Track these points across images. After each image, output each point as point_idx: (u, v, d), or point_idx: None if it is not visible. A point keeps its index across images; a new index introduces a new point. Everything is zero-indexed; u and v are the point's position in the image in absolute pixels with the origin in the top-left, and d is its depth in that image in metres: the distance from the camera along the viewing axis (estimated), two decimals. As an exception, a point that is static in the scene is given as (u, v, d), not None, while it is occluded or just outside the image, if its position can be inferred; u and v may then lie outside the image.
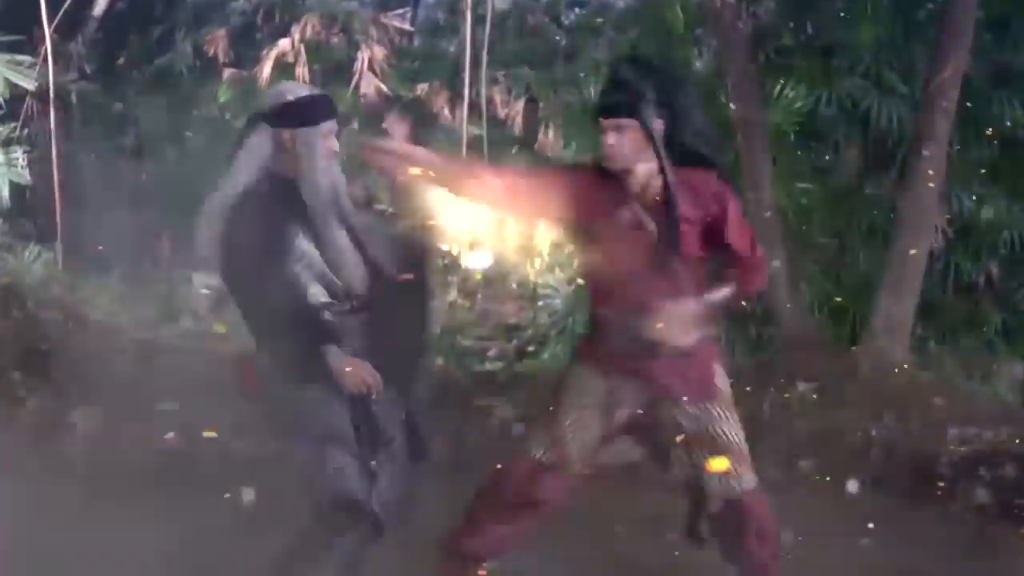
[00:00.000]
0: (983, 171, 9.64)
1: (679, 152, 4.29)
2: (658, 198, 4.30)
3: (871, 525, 6.19)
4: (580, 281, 9.78)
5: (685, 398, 4.39)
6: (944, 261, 9.37)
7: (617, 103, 4.28)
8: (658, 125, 4.19)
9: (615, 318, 4.42)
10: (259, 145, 4.02)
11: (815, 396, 7.82)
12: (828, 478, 7.10)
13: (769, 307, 8.84)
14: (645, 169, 4.28)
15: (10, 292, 9.13)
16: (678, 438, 4.38)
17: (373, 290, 4.12)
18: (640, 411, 4.43)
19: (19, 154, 10.20)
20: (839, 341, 8.87)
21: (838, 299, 9.34)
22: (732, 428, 4.39)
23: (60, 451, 7.04)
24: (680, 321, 4.26)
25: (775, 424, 7.43)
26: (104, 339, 8.90)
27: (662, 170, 4.25)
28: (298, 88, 4.50)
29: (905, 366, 8.25)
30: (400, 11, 13.75)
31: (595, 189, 4.39)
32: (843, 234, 9.55)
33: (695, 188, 4.36)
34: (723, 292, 4.34)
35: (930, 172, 8.28)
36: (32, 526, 5.21)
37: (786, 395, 7.84)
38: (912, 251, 8.36)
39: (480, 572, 4.62)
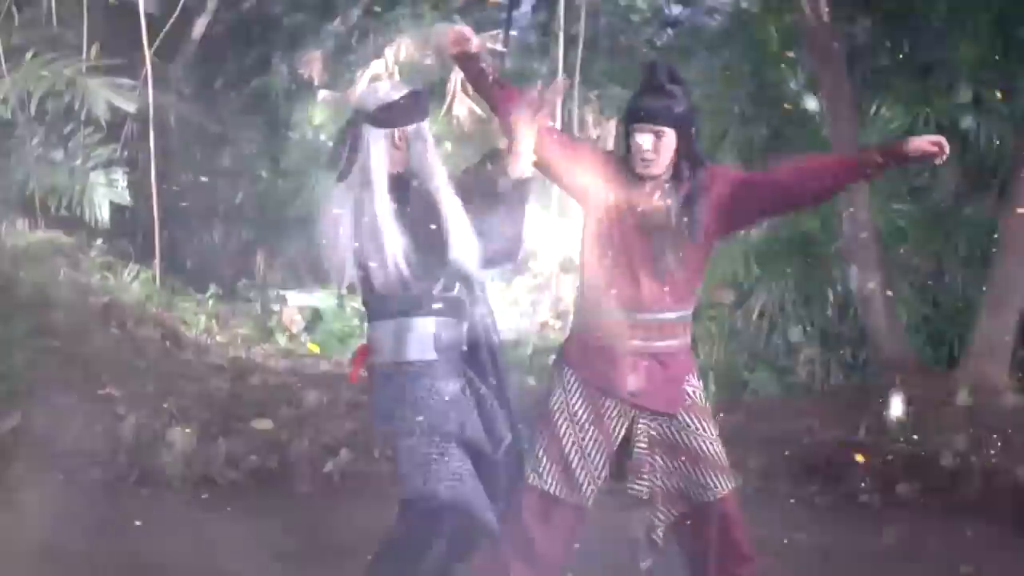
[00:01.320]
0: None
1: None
2: (674, 195, 4.38)
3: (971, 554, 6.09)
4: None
5: (658, 406, 4.46)
6: None
7: (659, 109, 4.34)
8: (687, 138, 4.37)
9: (610, 316, 4.48)
10: (377, 147, 4.08)
11: (912, 420, 7.74)
12: (924, 503, 6.97)
13: (865, 329, 8.98)
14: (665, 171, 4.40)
15: (110, 310, 9.24)
16: (647, 445, 4.45)
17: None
18: (629, 422, 4.47)
19: (119, 175, 10.25)
20: (936, 364, 8.96)
21: (936, 321, 9.49)
22: (704, 436, 4.47)
23: (158, 467, 7.08)
24: (663, 328, 4.40)
25: (872, 446, 7.43)
26: (199, 357, 9.03)
27: (691, 172, 4.36)
28: (395, 87, 4.51)
29: (1007, 390, 8.20)
30: (492, 32, 13.36)
31: (622, 180, 4.44)
32: (941, 255, 9.63)
33: (709, 183, 4.46)
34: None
35: None
36: (131, 539, 5.33)
37: (882, 418, 7.78)
38: (1013, 272, 8.38)
39: None
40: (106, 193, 10.06)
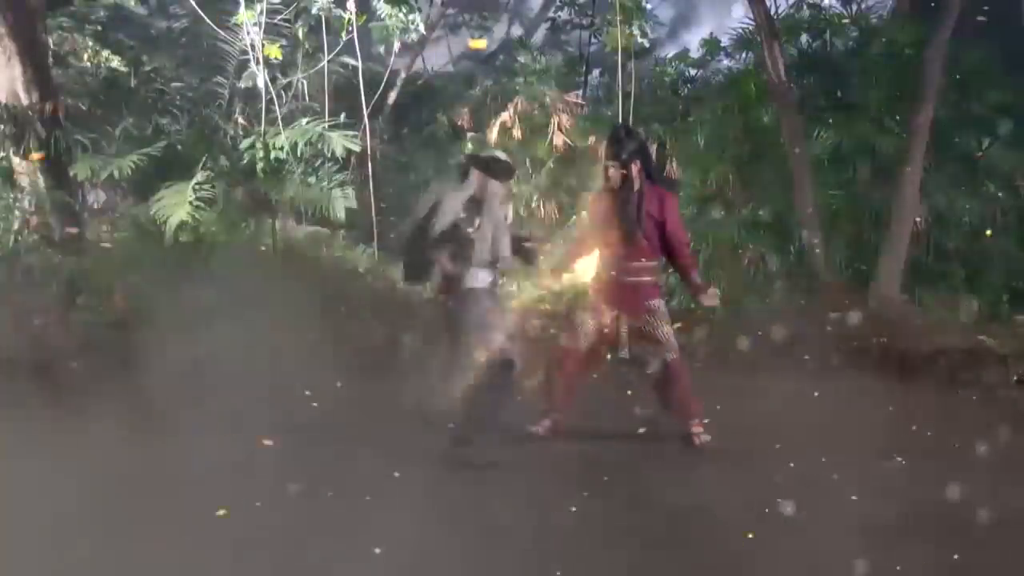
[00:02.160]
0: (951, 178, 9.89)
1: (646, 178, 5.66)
2: (632, 203, 5.58)
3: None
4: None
5: (633, 312, 5.70)
6: (926, 237, 9.82)
7: (615, 153, 5.66)
8: (636, 166, 5.61)
9: (607, 270, 5.74)
10: (471, 180, 5.11)
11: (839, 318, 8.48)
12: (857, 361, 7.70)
13: (812, 267, 9.44)
14: (623, 189, 5.58)
15: (353, 272, 9.94)
16: (627, 332, 5.75)
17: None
18: (614, 319, 5.71)
19: (350, 190, 10.27)
20: (857, 285, 9.36)
21: (856, 261, 9.88)
22: (662, 328, 5.73)
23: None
24: (637, 270, 5.66)
25: (818, 336, 8.28)
26: (407, 299, 9.05)
27: (639, 190, 5.60)
28: (501, 154, 5.56)
29: (896, 299, 9.00)
30: (576, 91, 13.75)
31: (603, 202, 5.74)
32: (860, 221, 9.90)
33: (653, 197, 5.70)
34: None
35: (911, 181, 9.07)
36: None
37: (823, 319, 8.55)
38: (899, 230, 9.13)
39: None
40: (342, 202, 10.06)
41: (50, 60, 10.70)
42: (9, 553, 3.87)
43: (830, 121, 10.23)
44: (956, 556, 4.09)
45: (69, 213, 10.13)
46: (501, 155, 5.39)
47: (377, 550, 4.06)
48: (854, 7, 11.50)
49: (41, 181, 10.04)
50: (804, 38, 11.38)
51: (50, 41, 11.00)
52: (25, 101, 10.02)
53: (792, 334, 8.17)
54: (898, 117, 9.82)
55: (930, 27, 9.24)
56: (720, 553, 4.21)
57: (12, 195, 10.07)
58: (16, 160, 10.13)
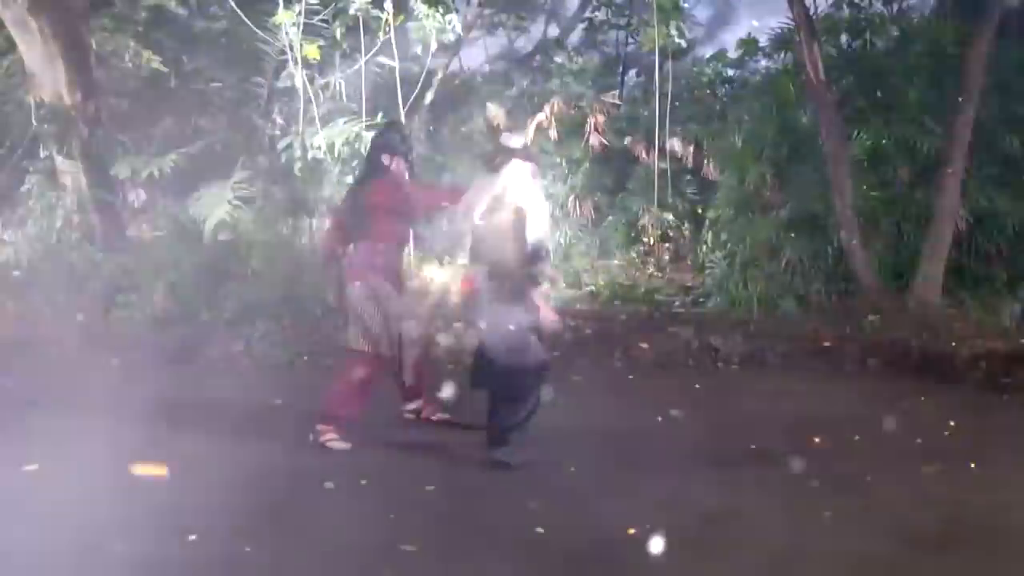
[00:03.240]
0: (992, 179, 9.63)
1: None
2: None
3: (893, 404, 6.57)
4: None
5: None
6: (968, 239, 9.51)
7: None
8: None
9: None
10: (524, 169, 4.95)
11: (878, 321, 8.50)
12: (882, 372, 7.63)
13: (850, 269, 9.31)
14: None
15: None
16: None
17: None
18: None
19: None
20: (895, 289, 9.21)
21: (895, 263, 9.59)
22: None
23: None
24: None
25: (851, 338, 8.17)
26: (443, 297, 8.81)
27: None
28: (524, 139, 5.39)
29: (937, 304, 8.81)
30: (612, 92, 13.75)
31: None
32: (900, 222, 9.68)
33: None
34: None
35: (952, 182, 8.89)
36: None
37: (861, 321, 8.53)
38: (941, 231, 8.95)
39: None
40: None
41: (92, 61, 10.86)
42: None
43: (870, 121, 10.04)
44: (999, 563, 3.94)
45: (110, 212, 10.23)
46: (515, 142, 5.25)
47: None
48: (895, 6, 11.38)
49: (83, 180, 10.22)
50: (844, 38, 11.27)
51: (92, 42, 11.15)
52: (68, 101, 10.24)
53: (830, 337, 8.25)
54: (939, 118, 9.60)
55: (972, 26, 9.13)
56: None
57: (55, 194, 10.24)
58: (59, 159, 10.30)
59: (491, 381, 4.88)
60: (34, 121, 10.43)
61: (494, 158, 5.02)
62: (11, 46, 10.94)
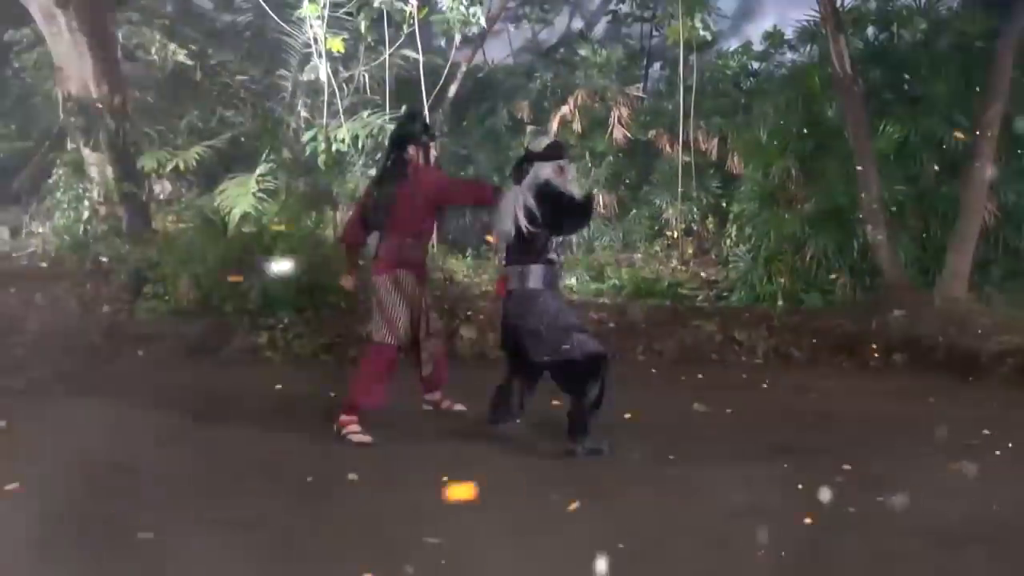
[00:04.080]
0: (1021, 173, 9.73)
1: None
2: None
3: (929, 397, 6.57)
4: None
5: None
6: (995, 234, 9.64)
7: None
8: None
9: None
10: (545, 167, 4.92)
11: (904, 316, 8.42)
12: (909, 366, 7.55)
13: (876, 265, 9.33)
14: None
15: None
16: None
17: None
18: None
19: None
20: (923, 285, 9.25)
21: (922, 259, 9.69)
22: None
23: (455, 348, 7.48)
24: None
25: (878, 334, 8.13)
26: (464, 291, 9.28)
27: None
28: (553, 137, 5.46)
29: (964, 300, 8.75)
30: (637, 85, 13.81)
31: None
32: (926, 217, 9.74)
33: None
34: None
35: (980, 177, 8.82)
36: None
37: (886, 316, 8.43)
38: (969, 227, 8.89)
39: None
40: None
41: (119, 54, 10.95)
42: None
43: (896, 115, 10.05)
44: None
45: (136, 204, 10.29)
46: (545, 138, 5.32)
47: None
48: (923, -2, 11.28)
49: (109, 172, 10.30)
50: (870, 30, 11.21)
51: (119, 35, 11.25)
52: (95, 94, 10.33)
53: (855, 332, 8.21)
54: (967, 111, 9.60)
55: (1002, 18, 9.07)
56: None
57: (82, 186, 10.32)
58: (86, 152, 10.39)
59: (569, 379, 4.94)
60: (61, 114, 10.56)
61: (522, 172, 5.01)
62: (39, 39, 11.08)
